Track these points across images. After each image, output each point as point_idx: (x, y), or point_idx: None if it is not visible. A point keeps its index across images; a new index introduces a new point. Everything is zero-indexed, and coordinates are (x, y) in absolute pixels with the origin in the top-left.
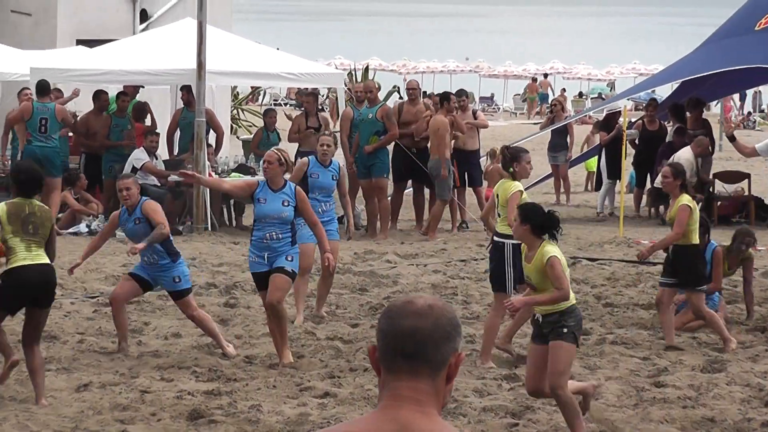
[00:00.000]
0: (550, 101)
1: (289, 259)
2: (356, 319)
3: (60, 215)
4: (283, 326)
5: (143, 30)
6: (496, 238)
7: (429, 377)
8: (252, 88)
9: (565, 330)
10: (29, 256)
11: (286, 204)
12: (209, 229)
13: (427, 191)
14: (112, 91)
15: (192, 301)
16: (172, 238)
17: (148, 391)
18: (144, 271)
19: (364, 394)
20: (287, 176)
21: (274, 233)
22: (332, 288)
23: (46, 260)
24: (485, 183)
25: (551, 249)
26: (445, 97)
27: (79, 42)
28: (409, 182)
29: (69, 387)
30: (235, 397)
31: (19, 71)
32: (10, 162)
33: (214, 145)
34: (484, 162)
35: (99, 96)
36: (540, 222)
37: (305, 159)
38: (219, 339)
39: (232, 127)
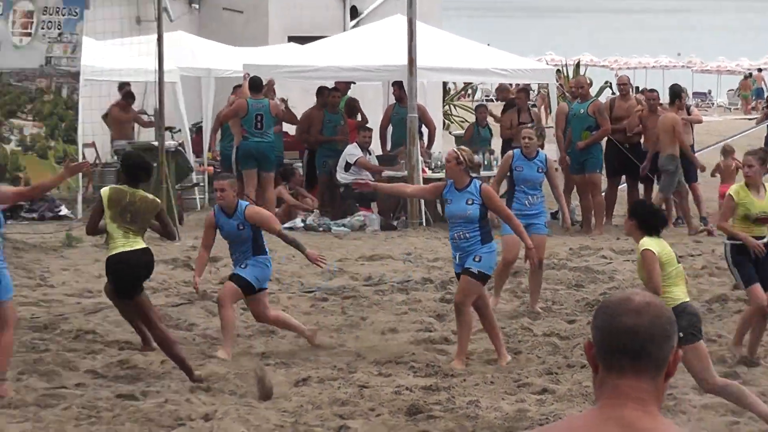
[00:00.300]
0: (765, 96)
1: (477, 259)
2: (572, 315)
3: (277, 210)
4: (462, 330)
5: (353, 27)
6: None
7: (650, 376)
8: (464, 83)
9: (681, 335)
10: (127, 243)
11: (470, 203)
12: (423, 224)
13: (641, 186)
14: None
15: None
16: (264, 239)
17: (366, 386)
18: (246, 272)
19: (582, 391)
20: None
21: (461, 233)
22: (548, 284)
23: (143, 246)
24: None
25: (646, 241)
26: (676, 93)
27: (291, 39)
28: (623, 177)
29: (288, 381)
30: (453, 393)
31: (231, 67)
32: (220, 158)
33: (426, 141)
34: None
35: (322, 92)
36: (644, 218)
37: (510, 152)
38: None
39: (444, 122)
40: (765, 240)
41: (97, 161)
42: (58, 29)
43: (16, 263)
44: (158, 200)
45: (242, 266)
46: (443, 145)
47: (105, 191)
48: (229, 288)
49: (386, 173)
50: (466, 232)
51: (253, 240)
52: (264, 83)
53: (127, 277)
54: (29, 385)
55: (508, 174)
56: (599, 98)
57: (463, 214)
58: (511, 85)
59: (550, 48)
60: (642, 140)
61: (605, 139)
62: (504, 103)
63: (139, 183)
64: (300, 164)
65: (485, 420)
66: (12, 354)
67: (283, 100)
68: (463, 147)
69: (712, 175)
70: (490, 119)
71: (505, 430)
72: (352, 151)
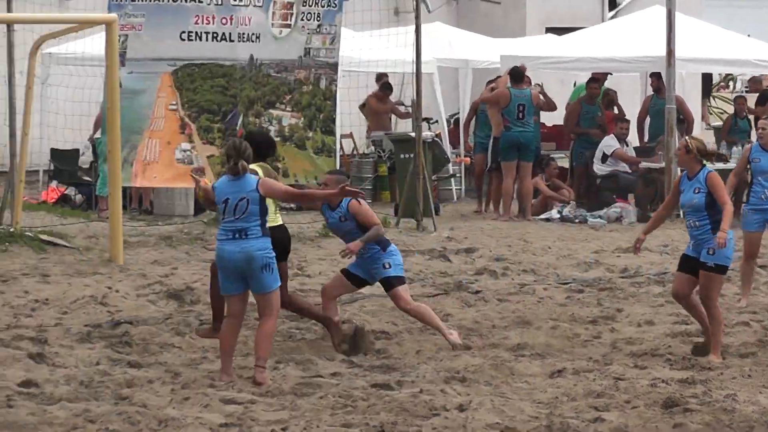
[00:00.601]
0: None
1: (710, 252)
2: None
3: (533, 201)
4: (714, 325)
5: (612, 18)
6: None
7: None
8: (725, 75)
9: None
10: (275, 219)
11: (697, 191)
12: (681, 216)
13: None
14: (581, 78)
15: (404, 294)
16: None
17: (622, 379)
18: (357, 267)
19: None
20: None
21: (692, 221)
22: None
23: (281, 221)
24: None
25: None
26: None
27: (549, 30)
28: None
29: (543, 373)
30: (709, 386)
31: (488, 59)
32: (472, 151)
33: (684, 132)
34: None
35: (589, 83)
36: None
37: (748, 146)
38: (442, 330)
39: (703, 114)
40: None
41: (355, 152)
42: (317, 20)
43: None
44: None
45: (386, 267)
46: (703, 138)
47: (259, 171)
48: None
49: (643, 164)
50: (696, 220)
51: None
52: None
53: (276, 250)
54: (286, 373)
55: (748, 167)
56: None
57: (690, 203)
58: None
59: None
60: None
61: None
62: (758, 94)
63: (267, 159)
64: (562, 155)
65: (742, 414)
66: (272, 343)
67: (539, 85)
68: (694, 136)
69: None
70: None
71: (763, 425)
72: (609, 143)
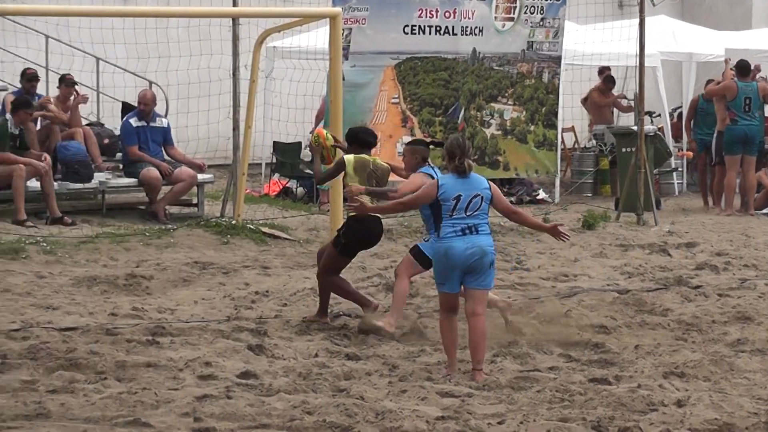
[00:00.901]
0: None
1: None
2: None
3: (756, 195)
4: None
5: None
6: None
7: None
8: None
9: None
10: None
11: None
12: None
13: None
14: None
15: (409, 266)
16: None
17: None
18: (426, 247)
19: None
20: None
21: None
22: None
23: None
24: None
25: None
26: None
27: None
28: None
29: (763, 369)
30: None
31: (713, 52)
32: (696, 146)
33: None
34: None
35: None
36: None
37: None
38: (393, 309)
39: None
40: None
41: (576, 145)
42: (541, 14)
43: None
44: (387, 165)
45: (425, 240)
46: None
47: (350, 159)
48: (405, 260)
49: None
50: None
51: (436, 218)
52: (751, 67)
53: (368, 241)
54: (503, 367)
55: None
56: None
57: None
58: None
59: None
60: None
61: None
62: None
63: (370, 149)
64: None
65: None
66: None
67: (764, 78)
68: None
69: None
70: None
71: None
72: None
